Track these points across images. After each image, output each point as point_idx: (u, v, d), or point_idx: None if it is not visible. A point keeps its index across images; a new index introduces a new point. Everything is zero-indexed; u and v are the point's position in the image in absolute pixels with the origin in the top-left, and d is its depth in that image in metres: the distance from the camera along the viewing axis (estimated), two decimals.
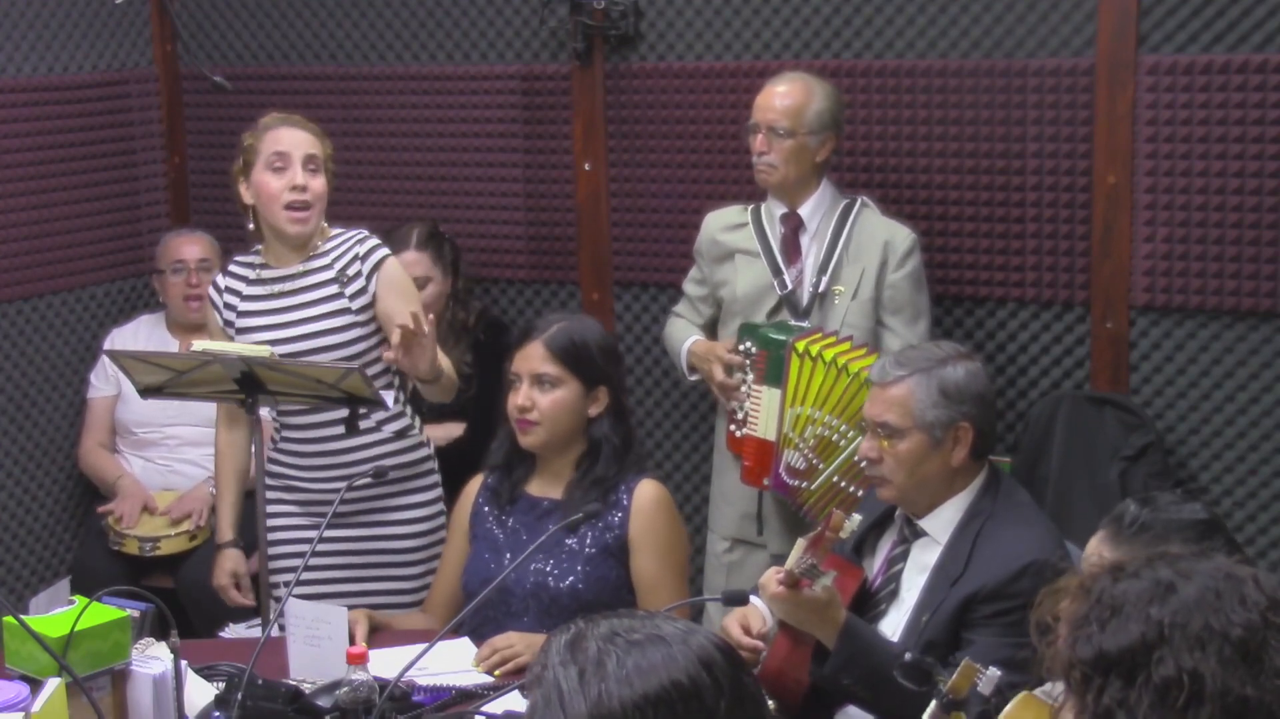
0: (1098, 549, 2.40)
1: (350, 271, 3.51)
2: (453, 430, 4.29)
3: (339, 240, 3.57)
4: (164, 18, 4.94)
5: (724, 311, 3.94)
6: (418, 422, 3.65)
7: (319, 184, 3.50)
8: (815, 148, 3.79)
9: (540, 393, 3.11)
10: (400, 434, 3.58)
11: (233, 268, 3.64)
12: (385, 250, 3.56)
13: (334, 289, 3.51)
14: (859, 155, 4.16)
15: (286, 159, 3.48)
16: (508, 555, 3.14)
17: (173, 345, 4.44)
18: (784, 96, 3.78)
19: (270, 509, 3.55)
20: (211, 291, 3.64)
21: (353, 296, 3.51)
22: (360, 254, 3.52)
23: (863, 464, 3.07)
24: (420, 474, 3.61)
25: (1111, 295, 3.95)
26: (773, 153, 3.77)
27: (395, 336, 3.31)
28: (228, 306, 3.58)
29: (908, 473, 2.93)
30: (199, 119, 5.02)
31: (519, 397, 3.12)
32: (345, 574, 3.52)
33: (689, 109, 4.38)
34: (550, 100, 4.56)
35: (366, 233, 3.60)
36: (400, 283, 3.54)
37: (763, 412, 3.71)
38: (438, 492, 3.64)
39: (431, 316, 3.34)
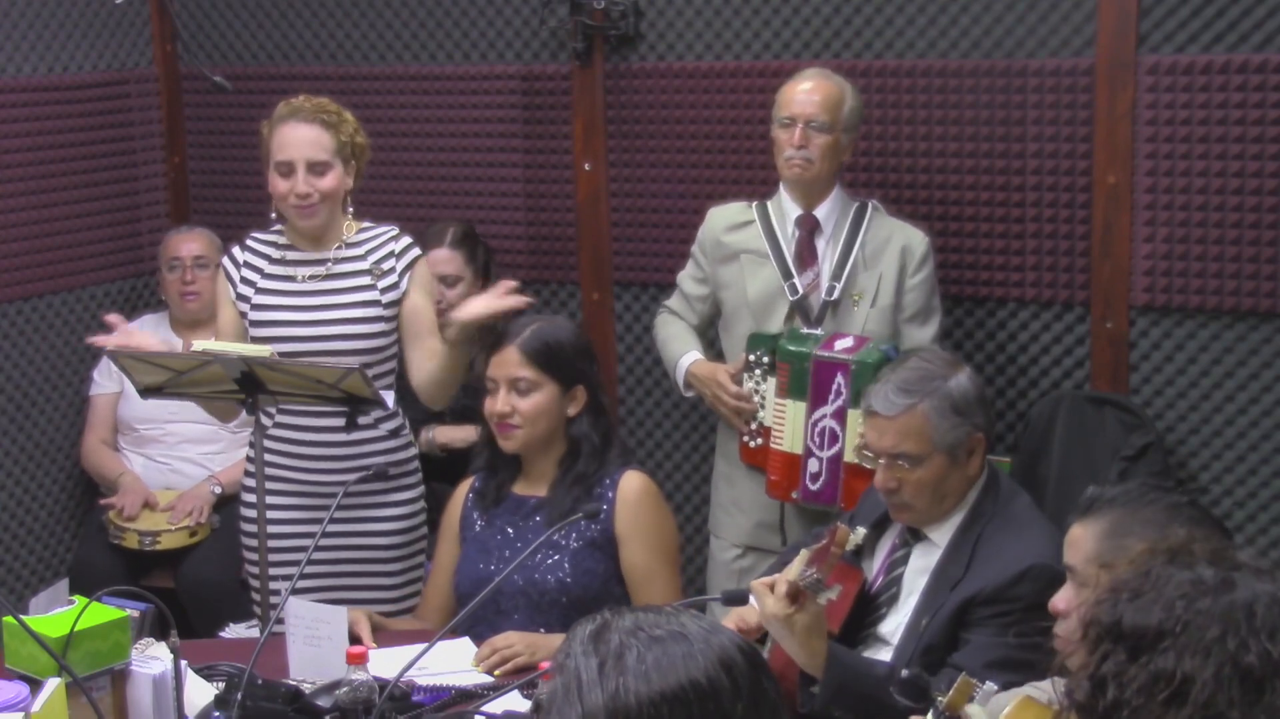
0: (1071, 537, 2.42)
1: (385, 266, 3.57)
2: (471, 433, 4.28)
3: (372, 234, 3.62)
4: (164, 18, 4.94)
5: (729, 314, 3.89)
6: (407, 422, 3.68)
7: (327, 183, 3.54)
8: (845, 146, 3.77)
9: (519, 397, 3.14)
10: (394, 433, 3.60)
11: (252, 243, 3.66)
12: (418, 250, 3.64)
13: (366, 280, 3.56)
14: (859, 155, 4.16)
15: (290, 167, 3.53)
16: (496, 555, 3.15)
17: (177, 343, 4.42)
18: (818, 91, 3.73)
19: (253, 499, 3.57)
20: (227, 263, 3.66)
21: (384, 290, 3.55)
22: (396, 251, 3.59)
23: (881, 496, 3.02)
24: (406, 474, 3.63)
25: (1111, 295, 3.95)
26: (811, 147, 3.71)
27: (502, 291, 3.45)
28: (245, 282, 3.61)
29: (930, 495, 2.91)
30: (199, 119, 5.02)
31: (497, 403, 3.15)
32: (328, 569, 3.53)
33: (689, 109, 4.38)
34: (550, 100, 4.56)
35: (398, 229, 3.66)
36: (428, 283, 3.65)
37: (788, 426, 3.68)
38: (420, 490, 3.67)
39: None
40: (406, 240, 3.63)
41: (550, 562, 3.11)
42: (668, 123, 4.42)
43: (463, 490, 3.33)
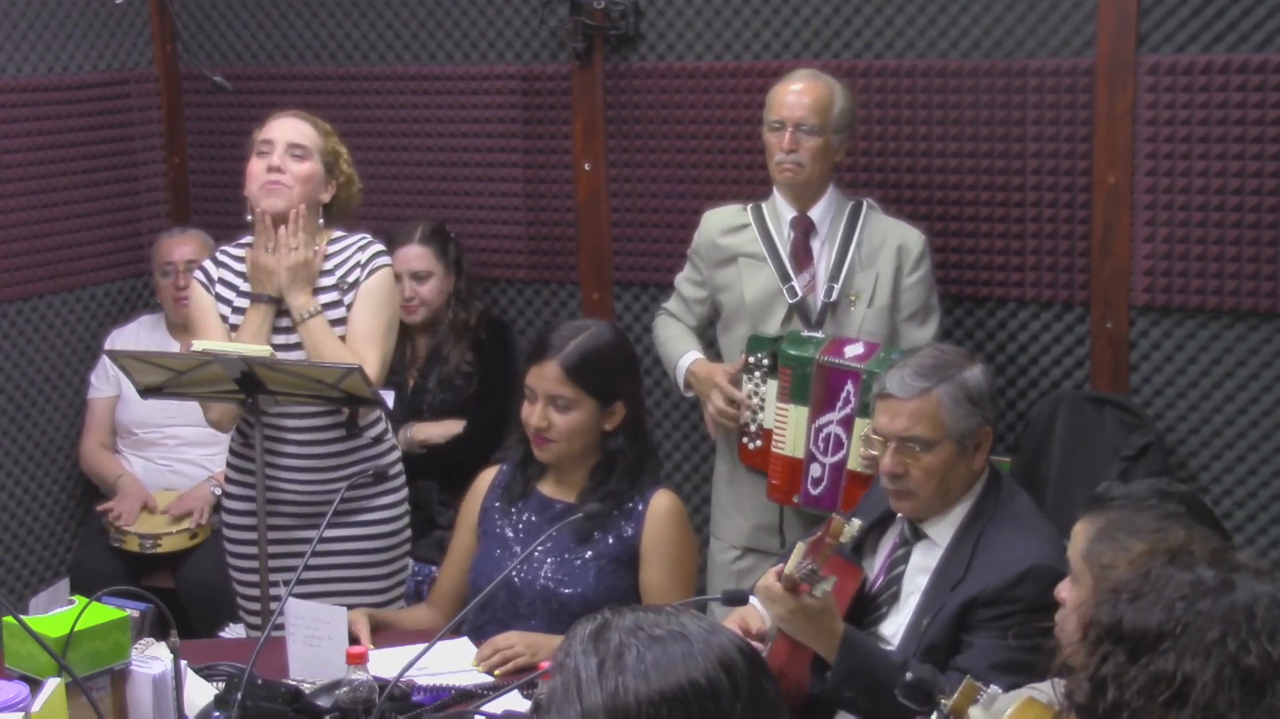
0: (1073, 531, 2.42)
1: (350, 279, 3.53)
2: (452, 428, 4.32)
3: (342, 246, 3.58)
4: (164, 18, 4.94)
5: (728, 317, 3.88)
6: (390, 426, 3.67)
7: (302, 169, 3.51)
8: (837, 147, 3.76)
9: (556, 413, 3.10)
10: (378, 439, 3.59)
11: (223, 258, 3.62)
12: (383, 260, 3.57)
13: (334, 296, 3.52)
14: (859, 155, 4.16)
15: (271, 145, 3.51)
16: (518, 552, 3.14)
17: (172, 346, 4.44)
18: (808, 93, 3.71)
19: (237, 506, 3.59)
20: (200, 276, 3.61)
21: (350, 307, 3.52)
22: (361, 261, 3.55)
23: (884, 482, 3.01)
24: (391, 477, 3.62)
25: (1111, 295, 3.95)
26: (801, 151, 3.70)
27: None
28: (221, 299, 3.57)
29: (936, 484, 2.90)
30: (199, 119, 5.02)
31: (535, 415, 3.11)
32: (314, 574, 3.50)
33: (689, 109, 4.38)
34: (550, 100, 4.56)
35: (369, 238, 3.62)
36: (376, 292, 3.53)
37: (790, 430, 3.68)
38: (404, 494, 3.66)
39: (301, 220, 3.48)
40: (374, 249, 3.57)
41: (575, 575, 3.10)
42: (668, 123, 4.42)
43: (484, 482, 3.31)
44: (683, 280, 4.01)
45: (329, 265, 3.54)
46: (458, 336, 4.40)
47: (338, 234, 3.60)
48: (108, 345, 4.57)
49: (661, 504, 3.13)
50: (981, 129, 4.05)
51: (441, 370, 4.38)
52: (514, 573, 3.06)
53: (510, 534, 3.19)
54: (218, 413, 3.57)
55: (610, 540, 3.11)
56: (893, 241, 3.76)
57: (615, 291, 4.57)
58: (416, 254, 4.38)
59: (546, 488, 3.21)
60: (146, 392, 3.44)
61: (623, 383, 3.15)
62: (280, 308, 3.51)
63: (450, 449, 4.27)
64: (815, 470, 3.66)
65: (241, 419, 3.55)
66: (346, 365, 3.30)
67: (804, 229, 3.79)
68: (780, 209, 3.82)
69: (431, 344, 4.42)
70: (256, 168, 3.51)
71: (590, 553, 3.10)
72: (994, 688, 2.25)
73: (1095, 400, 3.97)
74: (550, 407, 3.10)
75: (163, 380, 3.38)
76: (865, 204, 3.83)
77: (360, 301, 3.52)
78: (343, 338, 3.50)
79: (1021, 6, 3.98)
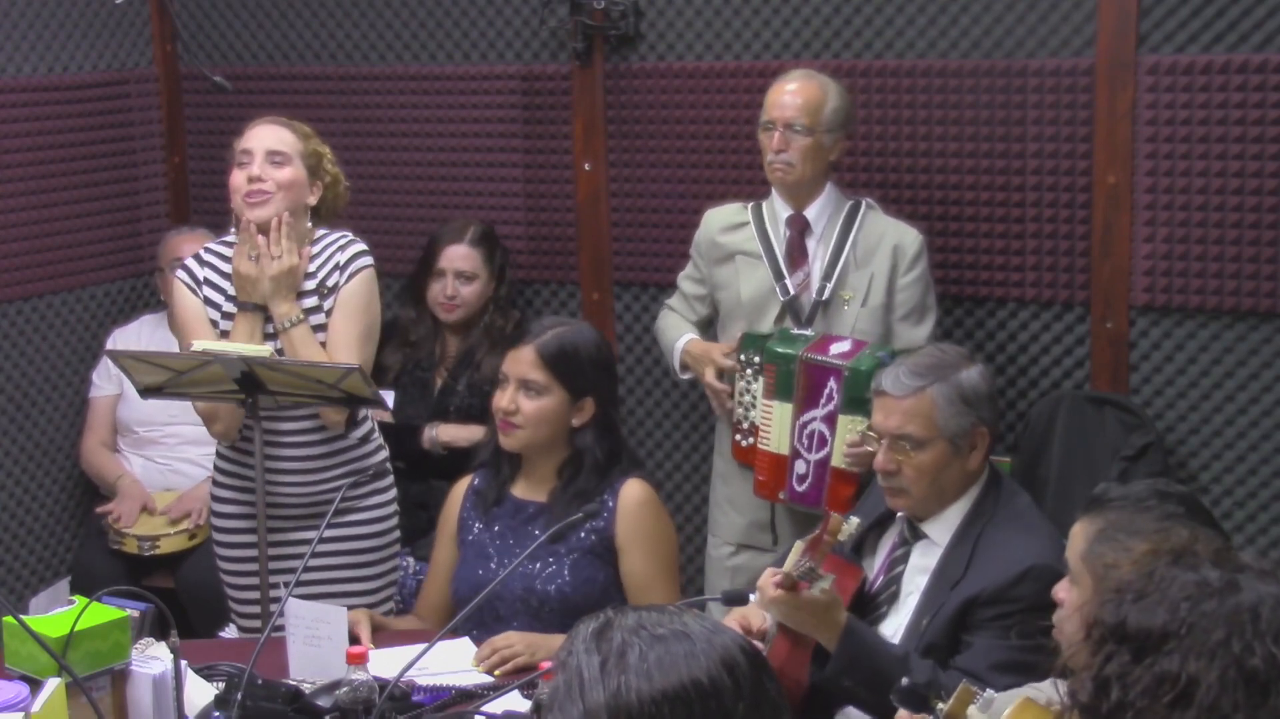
0: (1071, 532, 2.42)
1: (329, 283, 3.51)
2: (475, 433, 4.29)
3: (321, 246, 3.55)
4: (164, 18, 4.94)
5: (725, 315, 3.90)
6: (376, 425, 3.66)
7: (283, 175, 3.49)
8: (829, 146, 3.76)
9: (525, 398, 3.12)
10: (364, 439, 3.58)
11: (209, 257, 3.60)
12: (363, 262, 3.52)
13: (314, 302, 3.50)
14: (859, 155, 4.16)
15: (250, 155, 3.50)
16: (495, 560, 3.15)
17: (175, 344, 4.43)
18: (800, 94, 3.72)
19: (227, 509, 3.58)
20: (184, 277, 3.58)
21: (329, 312, 3.50)
22: (340, 263, 3.51)
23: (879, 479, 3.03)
24: (380, 476, 3.62)
25: (1111, 295, 3.95)
26: (791, 151, 3.71)
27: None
28: (210, 303, 3.55)
29: (929, 483, 2.91)
30: (199, 119, 5.02)
31: (505, 399, 3.14)
32: (306, 576, 3.48)
33: (689, 109, 4.38)
34: (550, 100, 4.56)
35: (349, 237, 3.58)
36: (354, 298, 3.50)
37: (774, 427, 3.69)
38: (393, 494, 3.64)
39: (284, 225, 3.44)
40: (353, 250, 3.53)
41: (550, 570, 3.11)
42: (668, 123, 4.42)
43: (460, 490, 3.32)
44: (684, 278, 4.03)
45: (311, 268, 3.52)
46: (492, 343, 4.36)
47: (319, 233, 3.57)
48: (110, 345, 4.57)
49: (632, 493, 3.14)
50: (981, 129, 4.05)
51: (472, 375, 4.35)
52: (492, 576, 3.07)
53: (486, 541, 3.20)
54: (224, 425, 3.52)
55: (582, 534, 3.12)
56: (889, 241, 3.77)
57: (615, 291, 4.57)
58: (464, 254, 4.36)
59: (519, 490, 3.22)
60: (146, 392, 3.43)
61: (595, 380, 3.16)
62: (267, 314, 3.49)
63: (473, 454, 4.25)
64: (800, 467, 3.67)
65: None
66: (346, 365, 3.30)
67: (799, 228, 3.80)
68: (777, 208, 3.83)
69: (464, 346, 4.40)
70: (238, 179, 3.50)
71: (563, 548, 3.11)
72: (989, 691, 2.25)
73: (1095, 400, 3.97)
74: (521, 392, 3.12)
75: (163, 380, 3.38)
76: (864, 204, 3.83)
77: (338, 309, 3.49)
78: (325, 344, 3.49)
79: (1021, 6, 3.98)
